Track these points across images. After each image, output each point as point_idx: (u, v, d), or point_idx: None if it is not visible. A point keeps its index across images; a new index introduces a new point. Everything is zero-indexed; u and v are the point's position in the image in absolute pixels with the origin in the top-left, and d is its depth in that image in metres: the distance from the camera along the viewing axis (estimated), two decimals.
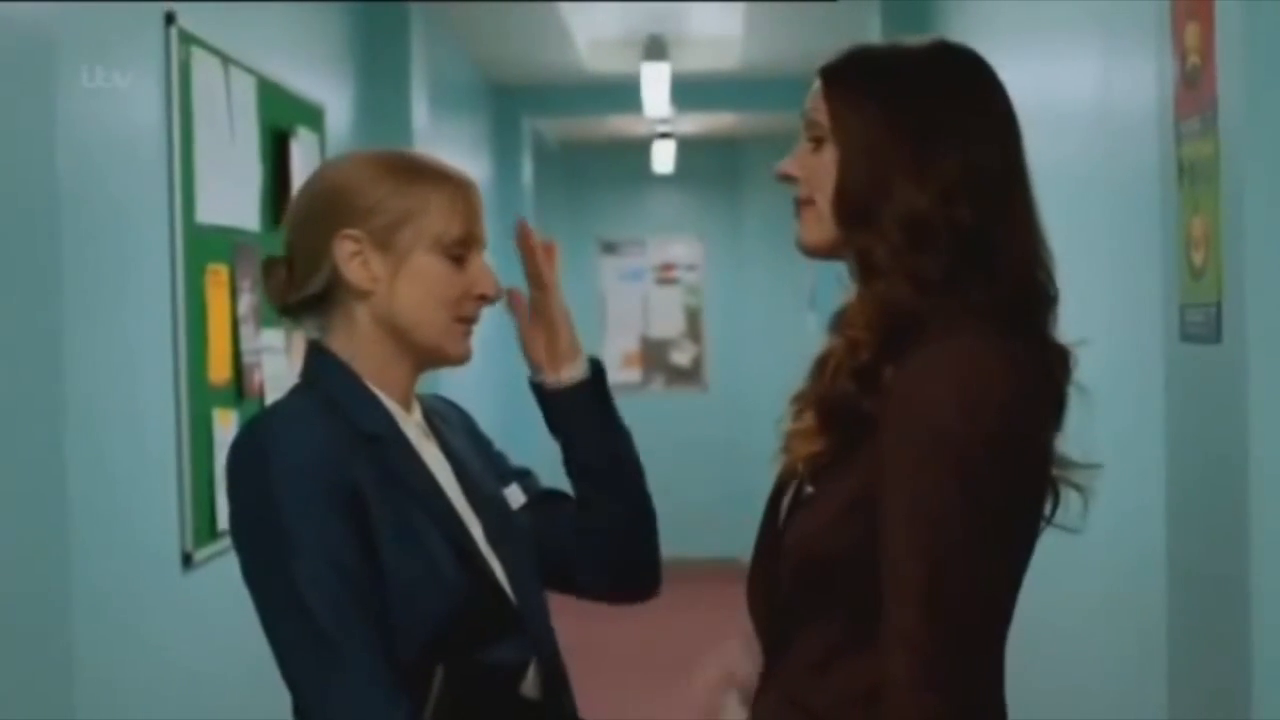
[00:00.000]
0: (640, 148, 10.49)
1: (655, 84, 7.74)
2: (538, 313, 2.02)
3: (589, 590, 2.08)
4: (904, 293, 1.68)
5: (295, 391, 1.91)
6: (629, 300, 11.33)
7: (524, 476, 2.06)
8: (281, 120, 4.17)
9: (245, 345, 3.75)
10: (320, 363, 1.91)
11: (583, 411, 2.02)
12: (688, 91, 8.32)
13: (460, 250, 1.90)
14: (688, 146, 10.60)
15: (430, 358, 1.93)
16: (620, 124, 9.80)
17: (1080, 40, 3.34)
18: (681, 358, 11.33)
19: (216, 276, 3.59)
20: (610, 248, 11.35)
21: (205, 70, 3.57)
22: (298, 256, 1.91)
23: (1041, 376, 1.68)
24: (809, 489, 1.74)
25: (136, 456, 3.14)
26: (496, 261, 1.99)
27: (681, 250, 11.36)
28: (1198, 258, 2.00)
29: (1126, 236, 2.92)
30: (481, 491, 1.96)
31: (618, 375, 11.11)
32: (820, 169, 1.76)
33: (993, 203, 1.70)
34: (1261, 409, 1.82)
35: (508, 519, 1.97)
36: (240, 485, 1.82)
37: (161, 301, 3.31)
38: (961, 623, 1.60)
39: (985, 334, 1.65)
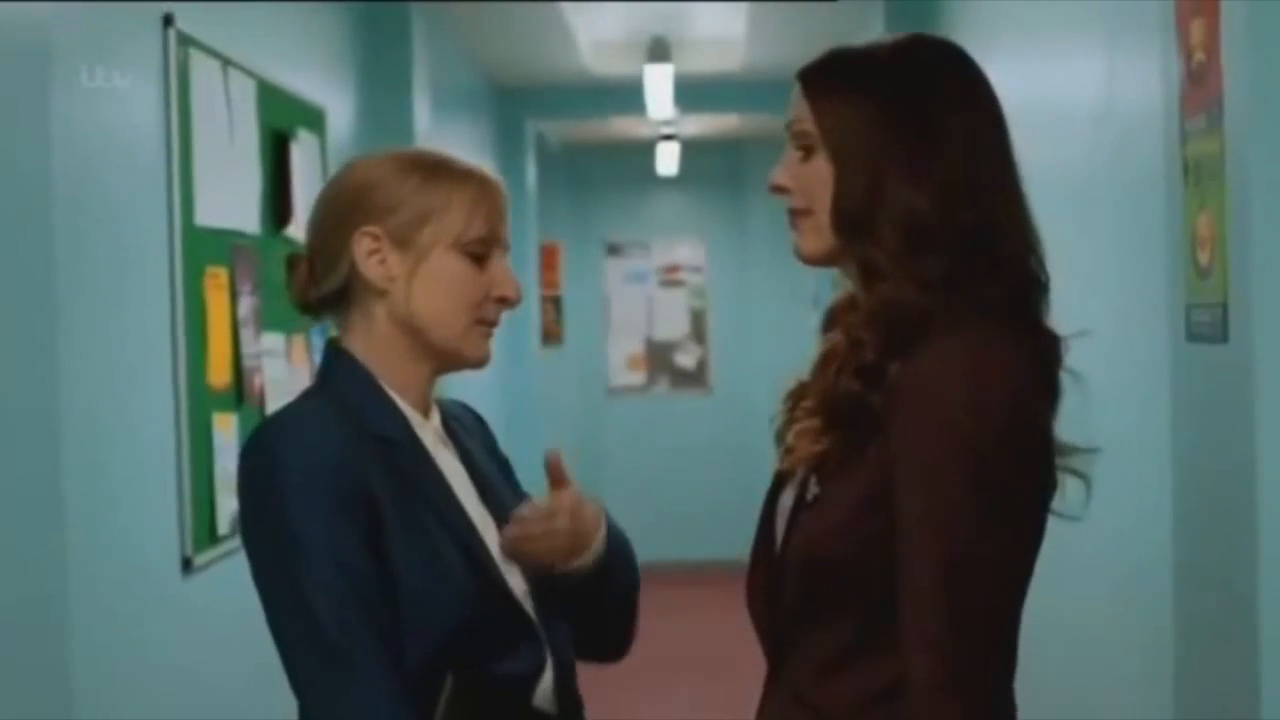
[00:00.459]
0: (644, 150, 10.50)
1: (658, 86, 7.74)
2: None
3: None
4: (908, 293, 1.68)
5: (307, 394, 1.89)
6: (633, 302, 11.31)
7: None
8: (282, 122, 4.15)
9: (245, 349, 3.73)
10: (336, 363, 1.89)
11: (579, 584, 1.93)
12: (691, 93, 8.31)
13: (482, 250, 1.87)
14: (691, 148, 10.59)
15: (448, 359, 1.90)
16: (624, 126, 9.80)
17: (1085, 38, 3.32)
18: (686, 360, 11.31)
19: (216, 279, 3.58)
20: (614, 250, 11.34)
21: (204, 72, 3.56)
22: (318, 253, 1.90)
23: (1041, 365, 1.68)
24: (814, 490, 1.72)
25: (136, 461, 3.13)
26: None
27: (686, 252, 11.35)
28: (1204, 257, 1.98)
29: (1132, 235, 2.91)
30: (500, 501, 1.93)
31: (622, 378, 11.12)
32: (814, 179, 1.74)
33: (989, 196, 1.70)
34: (1268, 409, 1.81)
35: None
36: (249, 489, 1.80)
37: (160, 304, 3.30)
38: (981, 622, 1.60)
39: (990, 328, 1.64)
